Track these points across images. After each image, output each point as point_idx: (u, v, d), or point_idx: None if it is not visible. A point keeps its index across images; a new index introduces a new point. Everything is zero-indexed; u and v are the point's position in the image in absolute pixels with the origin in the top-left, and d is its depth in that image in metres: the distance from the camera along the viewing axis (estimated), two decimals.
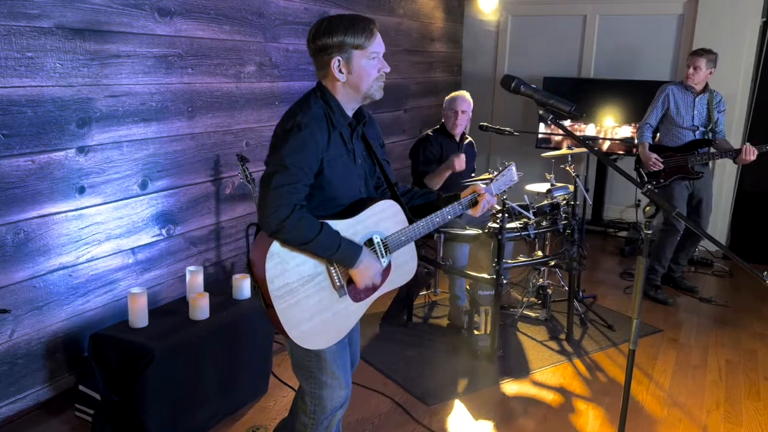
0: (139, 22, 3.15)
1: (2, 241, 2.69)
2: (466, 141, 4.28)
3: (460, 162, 3.87)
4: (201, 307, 2.92)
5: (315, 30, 1.91)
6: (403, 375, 3.49)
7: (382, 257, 2.05)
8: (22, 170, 2.72)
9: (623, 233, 6.07)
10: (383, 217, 2.05)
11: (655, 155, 4.54)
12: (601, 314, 4.29)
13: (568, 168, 3.93)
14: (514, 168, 2.35)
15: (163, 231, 3.46)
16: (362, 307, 2.06)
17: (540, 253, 4.02)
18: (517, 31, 6.56)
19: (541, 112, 1.97)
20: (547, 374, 3.56)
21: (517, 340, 3.98)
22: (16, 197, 2.72)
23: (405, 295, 4.08)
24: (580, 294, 4.36)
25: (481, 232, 3.81)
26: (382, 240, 2.05)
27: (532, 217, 3.64)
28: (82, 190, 2.98)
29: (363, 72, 1.89)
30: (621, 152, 5.91)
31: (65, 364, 3.04)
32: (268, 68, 4.04)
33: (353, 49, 1.87)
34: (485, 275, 3.63)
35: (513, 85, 1.98)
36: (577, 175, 3.89)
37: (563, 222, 3.76)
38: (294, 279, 1.90)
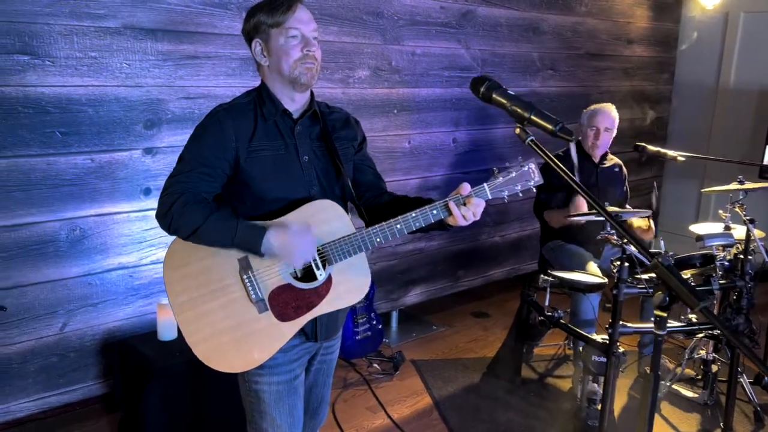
0: (224, 23, 3.03)
1: (56, 236, 2.75)
2: (610, 164, 3.44)
3: (580, 206, 3.08)
4: None
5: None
6: None
7: (318, 270, 1.71)
8: (80, 168, 2.75)
9: None
10: (320, 221, 1.71)
11: None
12: None
13: (737, 208, 2.90)
14: (533, 167, 1.62)
15: None
16: (292, 327, 1.72)
17: (694, 317, 3.05)
18: (751, 30, 5.23)
19: (517, 131, 1.33)
20: None
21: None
22: (73, 194, 2.75)
23: (513, 344, 3.42)
24: (765, 379, 3.24)
25: (605, 280, 3.01)
26: (317, 247, 1.71)
27: None
28: (147, 192, 2.95)
29: (281, 51, 1.69)
30: None
31: None
32: (386, 73, 3.68)
33: (270, 28, 1.70)
34: (598, 337, 2.84)
35: (483, 89, 1.38)
36: (751, 220, 2.85)
37: (721, 281, 2.78)
38: (196, 285, 1.71)
